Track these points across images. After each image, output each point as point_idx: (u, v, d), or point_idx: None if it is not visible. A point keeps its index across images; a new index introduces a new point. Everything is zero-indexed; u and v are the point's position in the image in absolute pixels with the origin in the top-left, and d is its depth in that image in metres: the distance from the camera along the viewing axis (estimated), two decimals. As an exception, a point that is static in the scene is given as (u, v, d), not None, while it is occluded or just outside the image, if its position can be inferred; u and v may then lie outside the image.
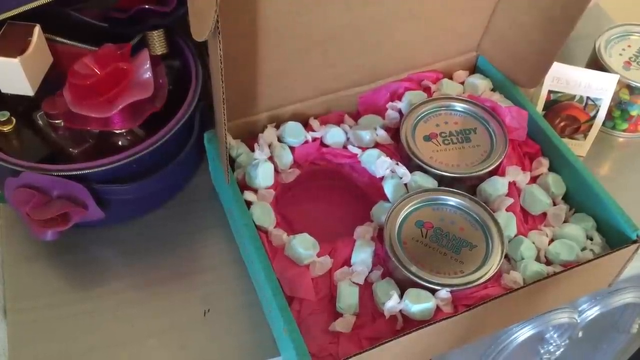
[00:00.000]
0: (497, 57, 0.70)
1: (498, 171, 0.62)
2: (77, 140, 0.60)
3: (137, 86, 0.58)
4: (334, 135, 0.64)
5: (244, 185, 0.60)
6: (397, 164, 0.61)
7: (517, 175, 0.61)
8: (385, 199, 0.60)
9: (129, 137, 0.61)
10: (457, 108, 0.65)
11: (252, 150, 0.62)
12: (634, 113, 0.73)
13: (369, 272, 0.56)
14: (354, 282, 0.54)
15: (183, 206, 0.65)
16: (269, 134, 0.63)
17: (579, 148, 0.72)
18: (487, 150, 0.62)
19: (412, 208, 0.57)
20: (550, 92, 0.71)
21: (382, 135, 0.64)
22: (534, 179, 0.63)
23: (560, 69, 0.69)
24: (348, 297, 0.53)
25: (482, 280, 0.53)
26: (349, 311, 0.53)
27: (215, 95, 0.52)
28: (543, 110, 0.71)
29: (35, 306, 0.58)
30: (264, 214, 0.57)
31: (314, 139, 0.64)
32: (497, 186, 0.60)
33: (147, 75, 0.58)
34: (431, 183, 0.60)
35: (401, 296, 0.53)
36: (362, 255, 0.56)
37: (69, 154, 0.60)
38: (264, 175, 0.59)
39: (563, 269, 0.55)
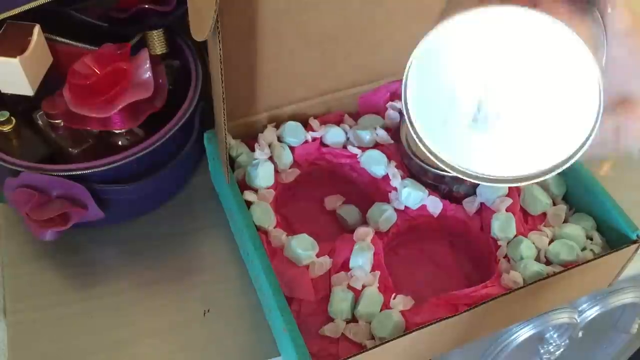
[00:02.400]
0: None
1: (498, 171, 0.61)
2: (77, 140, 0.60)
3: (137, 86, 0.58)
4: (333, 135, 0.64)
5: (244, 185, 0.60)
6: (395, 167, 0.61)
7: (517, 175, 0.61)
8: (385, 199, 0.61)
9: (128, 137, 0.61)
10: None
11: (252, 150, 0.62)
12: (633, 113, 0.73)
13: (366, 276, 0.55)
14: (351, 287, 0.54)
15: (183, 206, 0.65)
16: (269, 133, 0.63)
17: (578, 148, 0.72)
18: (487, 150, 0.62)
19: None
20: (550, 92, 0.70)
21: (382, 135, 0.64)
22: (533, 179, 0.63)
23: (560, 69, 0.69)
24: (339, 302, 0.53)
25: None
26: (339, 316, 0.53)
27: (215, 95, 0.52)
28: (543, 110, 0.71)
29: (35, 306, 0.58)
30: (264, 214, 0.57)
31: (314, 139, 0.64)
32: (497, 186, 0.60)
33: (147, 75, 0.58)
34: (421, 191, 0.59)
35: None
36: (360, 260, 0.55)
37: (68, 154, 0.60)
38: (264, 175, 0.59)
39: (563, 269, 0.55)
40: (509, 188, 0.60)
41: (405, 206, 0.60)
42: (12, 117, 0.60)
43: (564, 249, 0.56)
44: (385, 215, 0.58)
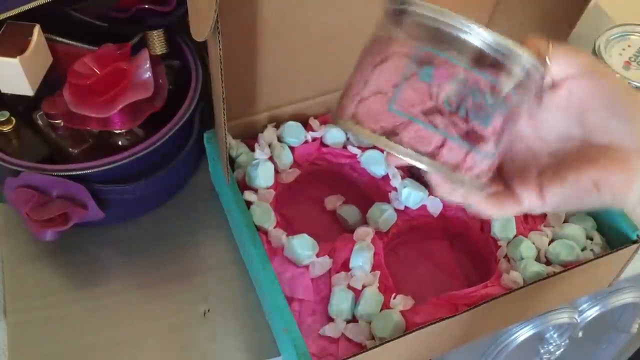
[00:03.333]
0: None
1: (498, 171, 0.62)
2: (77, 140, 0.60)
3: (137, 86, 0.58)
4: (334, 135, 0.64)
5: (244, 185, 0.60)
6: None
7: (517, 175, 0.61)
8: (385, 199, 0.61)
9: (128, 137, 0.61)
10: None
11: (252, 150, 0.62)
12: (633, 113, 0.73)
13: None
14: (351, 287, 0.54)
15: (183, 206, 0.65)
16: (269, 133, 0.63)
17: (579, 148, 0.72)
18: (487, 150, 0.62)
19: None
20: (550, 92, 0.70)
21: (382, 135, 0.64)
22: (534, 179, 0.63)
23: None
24: (340, 302, 0.53)
25: None
26: (339, 316, 0.53)
27: (215, 95, 0.52)
28: (543, 110, 0.71)
29: (35, 306, 0.58)
30: (264, 215, 0.57)
31: (314, 139, 0.64)
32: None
33: (147, 75, 0.58)
34: (421, 191, 0.59)
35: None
36: (360, 260, 0.55)
37: (68, 154, 0.60)
38: (264, 175, 0.59)
39: (563, 269, 0.55)
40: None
41: (405, 206, 0.60)
42: (12, 117, 0.60)
43: (564, 249, 0.56)
44: (385, 215, 0.58)
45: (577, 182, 0.35)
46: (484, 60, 0.34)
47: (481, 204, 0.38)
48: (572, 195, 0.36)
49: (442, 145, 0.34)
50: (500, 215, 0.39)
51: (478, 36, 0.34)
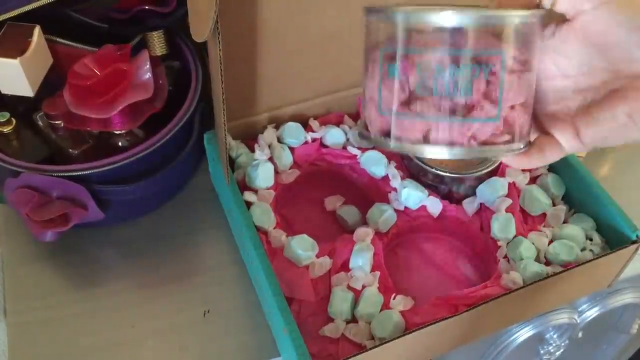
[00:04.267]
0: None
1: (498, 172, 0.62)
2: (77, 141, 0.60)
3: (137, 87, 0.58)
4: (333, 136, 0.64)
5: (244, 186, 0.60)
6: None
7: (516, 175, 0.61)
8: (384, 200, 0.61)
9: (128, 138, 0.61)
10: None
11: (252, 150, 0.62)
12: (633, 113, 0.73)
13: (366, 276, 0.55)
14: (351, 287, 0.54)
15: (183, 206, 0.65)
16: (269, 134, 0.63)
17: (578, 148, 0.72)
18: (487, 151, 0.62)
19: None
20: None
21: (381, 135, 0.64)
22: (533, 180, 0.63)
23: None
24: (340, 303, 0.53)
25: None
26: (339, 317, 0.53)
27: (215, 96, 0.52)
28: (542, 110, 0.71)
29: (35, 307, 0.58)
30: (263, 215, 0.57)
31: (314, 140, 0.64)
32: (496, 187, 0.60)
33: (147, 76, 0.59)
34: (421, 191, 0.60)
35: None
36: (360, 261, 0.55)
37: (68, 155, 0.60)
38: (264, 176, 0.59)
39: (563, 269, 0.55)
40: (509, 188, 0.60)
41: (405, 207, 0.60)
42: (13, 118, 0.60)
43: (564, 249, 0.56)
44: (385, 216, 0.58)
45: (612, 120, 0.36)
46: (442, 37, 0.35)
47: (524, 159, 0.38)
48: (609, 132, 0.36)
49: (430, 129, 0.36)
50: (545, 163, 0.39)
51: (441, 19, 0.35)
